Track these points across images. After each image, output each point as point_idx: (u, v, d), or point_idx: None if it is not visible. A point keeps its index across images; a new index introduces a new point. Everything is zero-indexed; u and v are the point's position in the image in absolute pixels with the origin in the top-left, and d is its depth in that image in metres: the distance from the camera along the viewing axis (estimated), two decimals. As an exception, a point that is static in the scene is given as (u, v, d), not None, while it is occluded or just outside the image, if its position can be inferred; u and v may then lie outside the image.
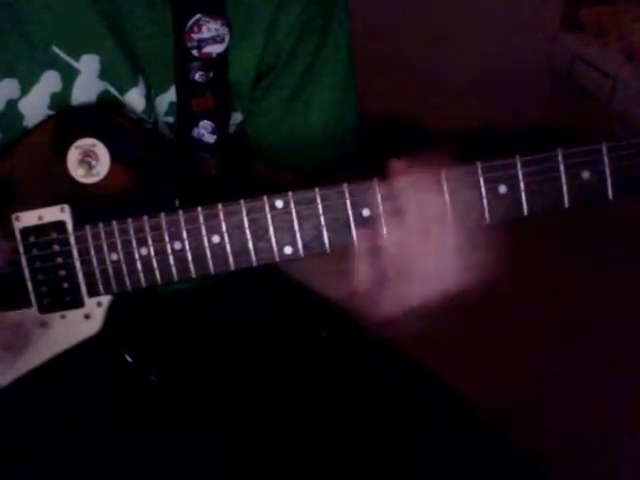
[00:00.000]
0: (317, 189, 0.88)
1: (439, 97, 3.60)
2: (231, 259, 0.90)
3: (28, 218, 0.93)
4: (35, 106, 0.97)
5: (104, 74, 0.98)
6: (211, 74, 1.01)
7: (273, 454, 1.03)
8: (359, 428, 1.04)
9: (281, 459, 1.03)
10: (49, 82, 0.97)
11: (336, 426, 1.05)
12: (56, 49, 0.96)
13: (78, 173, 0.92)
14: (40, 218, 0.93)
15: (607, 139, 0.83)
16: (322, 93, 1.10)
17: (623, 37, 3.48)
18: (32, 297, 0.94)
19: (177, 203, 0.93)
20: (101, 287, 0.93)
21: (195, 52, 1.00)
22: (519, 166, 0.85)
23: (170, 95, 1.02)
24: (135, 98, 0.99)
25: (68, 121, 0.95)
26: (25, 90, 0.97)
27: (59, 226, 0.92)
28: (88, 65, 0.97)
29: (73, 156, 0.92)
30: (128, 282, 0.92)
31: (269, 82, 1.07)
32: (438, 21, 3.61)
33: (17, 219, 0.93)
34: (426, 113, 3.53)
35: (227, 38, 1.00)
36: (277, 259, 0.90)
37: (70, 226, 0.92)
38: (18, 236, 0.93)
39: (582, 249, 2.87)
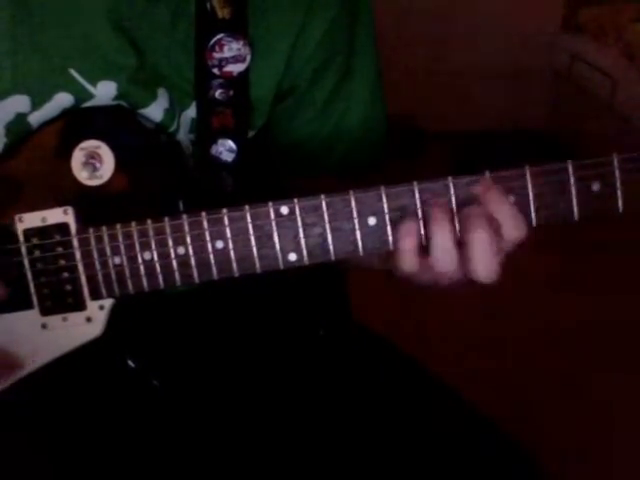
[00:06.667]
0: (323, 196, 0.87)
1: (439, 97, 3.60)
2: (235, 265, 0.90)
3: (31, 219, 0.92)
4: (45, 119, 0.97)
5: (119, 97, 0.98)
6: (231, 92, 1.01)
7: (274, 455, 1.03)
8: (358, 428, 1.05)
9: (282, 460, 1.03)
10: (61, 101, 0.97)
11: (335, 426, 1.05)
12: (74, 72, 0.96)
13: (82, 175, 0.92)
14: (43, 220, 0.92)
15: (618, 151, 0.83)
16: (353, 108, 1.11)
17: (623, 37, 3.48)
18: (34, 299, 0.94)
19: (181, 207, 0.93)
20: (103, 290, 0.93)
21: (216, 70, 1.00)
22: (528, 177, 0.84)
23: (191, 112, 1.02)
24: (153, 113, 0.99)
25: (74, 123, 0.95)
26: (35, 107, 0.97)
27: (62, 228, 0.92)
28: (104, 91, 0.97)
29: (77, 158, 0.92)
30: (131, 286, 0.92)
31: (294, 102, 1.08)
32: (438, 22, 3.60)
33: (20, 220, 0.92)
34: (426, 114, 3.53)
35: (248, 58, 1.00)
36: (281, 266, 0.89)
37: (73, 228, 0.92)
38: (21, 237, 0.93)
39: (586, 255, 2.88)
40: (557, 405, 2.25)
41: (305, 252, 0.88)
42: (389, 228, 0.87)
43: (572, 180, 0.84)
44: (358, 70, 1.10)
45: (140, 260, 0.91)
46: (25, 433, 1.02)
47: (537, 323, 2.58)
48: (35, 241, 0.92)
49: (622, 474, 2.04)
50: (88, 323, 0.94)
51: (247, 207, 0.88)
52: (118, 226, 0.90)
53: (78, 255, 0.92)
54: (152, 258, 0.90)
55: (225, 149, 1.03)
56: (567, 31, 3.76)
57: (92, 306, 0.93)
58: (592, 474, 2.02)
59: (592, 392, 2.29)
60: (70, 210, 0.92)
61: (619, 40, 3.49)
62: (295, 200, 0.87)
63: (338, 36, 1.06)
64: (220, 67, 1.00)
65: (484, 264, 0.83)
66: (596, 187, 0.84)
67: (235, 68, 1.01)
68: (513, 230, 0.84)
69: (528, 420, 2.04)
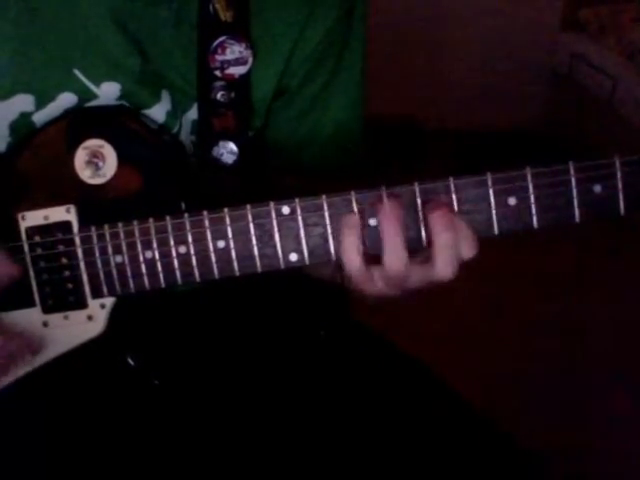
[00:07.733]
0: (324, 196, 0.87)
1: (439, 97, 3.60)
2: (236, 264, 0.90)
3: (34, 217, 0.93)
4: (49, 119, 0.97)
5: (123, 98, 0.98)
6: (233, 94, 1.02)
7: (274, 454, 1.03)
8: (358, 427, 1.05)
9: (282, 460, 1.03)
10: (65, 100, 0.97)
11: (336, 425, 1.05)
12: (78, 72, 0.96)
13: (85, 174, 0.92)
14: (46, 218, 0.92)
15: (620, 153, 0.83)
16: (335, 110, 1.12)
17: (623, 37, 3.48)
18: (36, 297, 0.94)
19: (183, 207, 0.93)
20: (105, 289, 0.93)
21: (218, 73, 1.00)
22: (529, 178, 0.84)
23: (193, 113, 1.03)
24: (155, 114, 1.00)
25: (78, 122, 0.95)
26: (40, 106, 0.97)
27: (64, 226, 0.92)
28: (107, 91, 0.98)
29: (80, 157, 0.92)
30: (132, 285, 0.92)
31: (283, 101, 1.09)
32: (438, 21, 3.61)
33: (23, 218, 0.93)
34: (426, 113, 3.54)
35: (250, 60, 1.01)
36: (282, 266, 0.89)
37: (75, 227, 0.92)
38: (23, 235, 0.93)
39: (585, 257, 2.88)
40: (557, 405, 2.25)
41: (306, 252, 0.88)
42: None
43: (573, 182, 0.84)
44: (344, 72, 1.10)
45: (142, 259, 0.91)
46: (25, 430, 1.02)
47: (538, 323, 2.58)
48: (37, 239, 0.93)
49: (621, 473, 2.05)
50: (89, 321, 0.94)
51: (248, 207, 0.88)
52: (120, 225, 0.91)
53: (80, 253, 0.92)
54: (153, 257, 0.91)
55: (226, 151, 1.03)
56: (567, 31, 3.77)
57: (93, 304, 0.94)
58: (591, 472, 2.02)
59: (592, 391, 2.29)
60: (72, 208, 0.92)
61: (619, 40, 3.50)
62: (296, 200, 0.87)
63: (336, 37, 1.07)
64: (222, 69, 1.00)
65: (447, 264, 0.84)
66: (597, 189, 0.83)
67: (237, 70, 1.01)
68: (469, 250, 0.85)
69: (528, 419, 2.05)
